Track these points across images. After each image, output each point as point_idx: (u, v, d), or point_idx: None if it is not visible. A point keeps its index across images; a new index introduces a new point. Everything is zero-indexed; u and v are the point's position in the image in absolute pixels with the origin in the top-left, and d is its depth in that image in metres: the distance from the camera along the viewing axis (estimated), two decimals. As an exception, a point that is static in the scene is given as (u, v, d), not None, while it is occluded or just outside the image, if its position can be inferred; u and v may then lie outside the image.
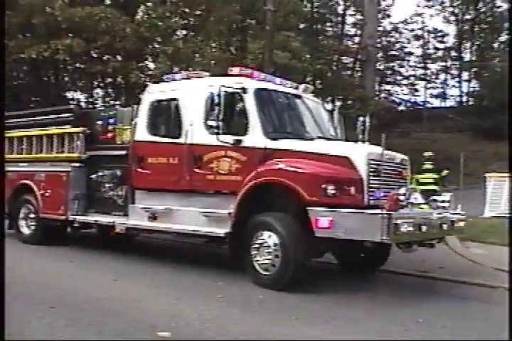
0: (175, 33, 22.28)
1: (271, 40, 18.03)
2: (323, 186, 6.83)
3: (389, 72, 42.81)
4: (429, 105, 44.04)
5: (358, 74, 32.59)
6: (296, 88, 8.93)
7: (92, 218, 9.89)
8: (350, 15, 39.48)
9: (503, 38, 41.26)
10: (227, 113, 7.64)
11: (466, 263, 9.51)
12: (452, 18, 44.08)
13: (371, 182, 7.17)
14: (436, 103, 45.93)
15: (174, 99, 8.72)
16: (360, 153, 7.24)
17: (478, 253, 10.11)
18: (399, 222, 6.41)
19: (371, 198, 7.12)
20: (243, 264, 7.57)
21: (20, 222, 11.17)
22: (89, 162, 10.11)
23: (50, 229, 10.61)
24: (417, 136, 35.80)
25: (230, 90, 7.73)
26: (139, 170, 9.07)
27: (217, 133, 7.66)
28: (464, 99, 43.67)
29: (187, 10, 23.08)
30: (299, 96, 8.79)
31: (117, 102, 23.98)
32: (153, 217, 8.82)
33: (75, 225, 10.19)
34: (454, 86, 45.35)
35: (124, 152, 9.37)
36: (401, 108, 43.25)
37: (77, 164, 10.14)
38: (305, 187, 6.89)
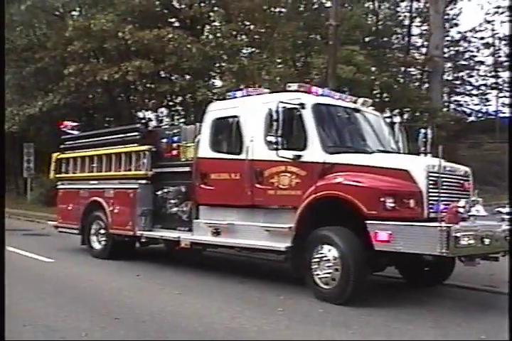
0: (240, 51, 22.68)
1: (334, 54, 18.09)
2: (382, 199, 6.84)
3: (458, 82, 41.83)
4: (501, 115, 42.62)
5: (426, 86, 32.06)
6: (355, 102, 8.97)
7: (158, 233, 10.18)
8: (416, 26, 38.98)
9: None
10: (286, 128, 7.76)
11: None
12: (524, 24, 42.72)
13: (431, 194, 7.10)
14: (509, 112, 44.49)
15: (234, 116, 8.94)
16: (420, 166, 7.19)
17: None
18: (459, 234, 6.32)
19: (431, 211, 7.05)
20: (304, 278, 7.63)
21: (92, 238, 11.62)
22: (155, 179, 10.43)
23: (119, 245, 10.99)
24: (489, 147, 34.76)
25: (288, 106, 7.87)
26: (202, 186, 9.30)
27: (277, 149, 7.78)
28: (539, 107, 42.08)
29: (251, 27, 23.48)
30: (357, 110, 8.83)
31: (186, 120, 24.65)
32: (217, 232, 9.00)
33: (142, 240, 10.52)
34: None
35: (187, 168, 9.64)
36: (472, 118, 42.08)
37: (143, 181, 10.47)
38: (364, 201, 6.91)
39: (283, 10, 25.66)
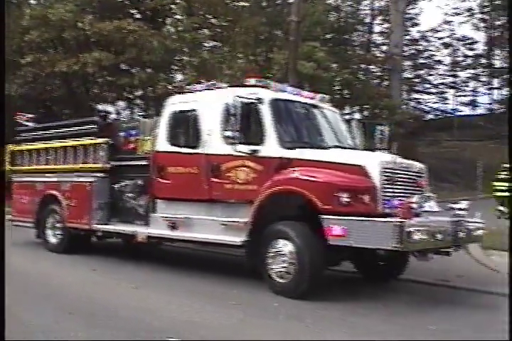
0: (201, 45, 22.57)
1: (295, 50, 18.18)
2: (337, 194, 6.91)
3: (417, 80, 42.54)
4: (459, 113, 43.56)
5: (386, 84, 32.51)
6: (313, 98, 9.02)
7: (114, 227, 10.09)
8: (378, 24, 39.52)
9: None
10: (244, 123, 7.77)
11: (487, 272, 9.38)
12: (481, 24, 43.71)
13: (385, 190, 7.22)
14: (467, 111, 45.49)
15: (193, 110, 8.90)
16: (374, 162, 7.28)
17: (499, 261, 9.97)
18: (411, 229, 6.42)
19: (385, 206, 7.15)
20: (260, 272, 7.66)
21: (47, 231, 11.44)
22: (113, 172, 10.33)
23: (75, 238, 10.83)
24: (447, 145, 35.51)
25: (245, 100, 7.87)
26: (160, 179, 9.25)
27: (234, 144, 7.80)
28: (495, 106, 43.12)
29: (213, 21, 23.41)
30: (315, 106, 8.90)
31: (146, 114, 24.41)
32: (173, 226, 8.96)
33: (98, 234, 10.41)
34: (484, 93, 44.81)
35: (145, 162, 9.58)
36: (431, 117, 42.89)
37: (100, 174, 10.36)
38: (319, 196, 6.97)
39: (246, 4, 25.65)
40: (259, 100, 8.00)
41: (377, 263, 8.62)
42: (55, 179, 11.22)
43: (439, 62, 42.66)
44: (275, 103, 8.14)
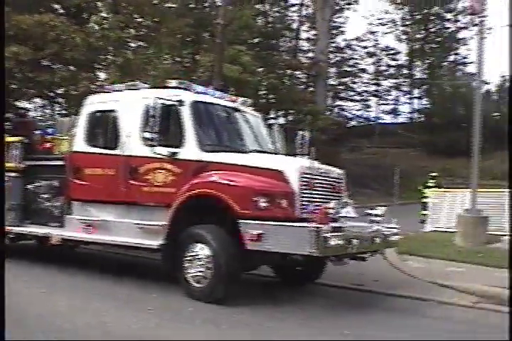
0: (126, 44, 22.15)
1: (220, 53, 18.16)
2: (255, 199, 6.89)
3: (342, 87, 43.44)
4: (380, 121, 44.78)
5: (311, 89, 33.00)
6: (234, 101, 8.99)
7: (27, 229, 9.72)
8: (304, 30, 40.09)
9: (452, 57, 42.64)
10: (163, 125, 7.65)
11: (402, 277, 9.64)
12: (404, 36, 45.15)
13: (303, 195, 7.27)
14: (388, 119, 46.80)
15: (112, 110, 8.70)
16: (293, 167, 7.32)
17: (414, 266, 10.25)
18: (327, 235, 6.47)
19: (303, 211, 7.19)
20: (176, 276, 7.55)
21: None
22: (27, 172, 9.95)
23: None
24: (369, 151, 36.40)
25: (166, 102, 7.75)
26: (76, 180, 8.98)
27: (152, 145, 7.66)
28: (415, 115, 44.61)
29: (139, 20, 23.01)
30: (237, 110, 8.87)
31: (68, 112, 23.68)
32: (89, 229, 8.72)
33: (10, 236, 9.98)
34: (405, 102, 46.27)
35: (61, 162, 9.27)
36: (353, 123, 43.86)
37: (13, 174, 9.93)
38: (236, 200, 6.93)
39: (173, 6, 25.41)
40: (180, 102, 7.90)
41: (294, 268, 8.66)
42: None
43: (363, 70, 43.78)
44: (196, 105, 8.05)
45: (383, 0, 44.10)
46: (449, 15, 42.78)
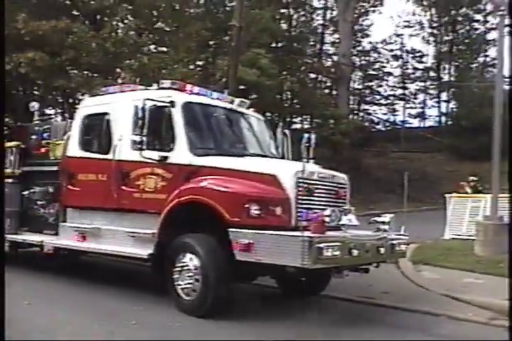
0: (142, 49, 21.91)
1: (236, 56, 17.77)
2: (246, 206, 6.42)
3: (367, 91, 42.69)
4: (407, 125, 43.86)
5: (334, 93, 32.42)
6: (232, 102, 8.52)
7: (22, 237, 9.44)
8: (329, 34, 39.53)
9: (481, 58, 41.59)
10: (153, 128, 7.24)
11: (414, 289, 9.03)
12: (431, 38, 44.23)
13: (300, 202, 6.76)
14: (416, 123, 45.85)
15: (105, 113, 8.35)
16: (288, 171, 6.81)
17: (429, 277, 9.64)
18: (322, 245, 5.95)
19: (300, 219, 6.69)
20: (167, 288, 7.11)
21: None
22: (23, 178, 9.68)
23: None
24: (394, 156, 35.58)
25: (157, 104, 7.35)
26: (70, 187, 8.66)
27: (141, 149, 7.24)
28: (443, 119, 43.60)
29: (158, 24, 22.80)
30: (235, 111, 8.41)
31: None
32: (82, 237, 8.37)
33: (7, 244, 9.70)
34: (432, 106, 45.22)
35: (55, 168, 8.96)
36: (380, 128, 43.03)
37: (10, 180, 9.67)
38: (227, 207, 6.48)
39: (193, 11, 25.18)
40: (172, 103, 7.47)
41: (298, 279, 8.13)
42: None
43: (389, 73, 42.97)
44: (188, 107, 7.62)
45: (410, 2, 43.00)
46: (478, 16, 41.81)
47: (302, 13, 38.59)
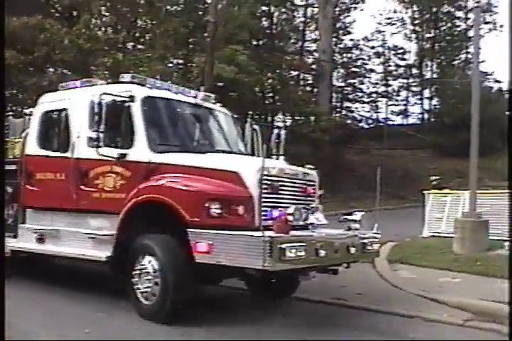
0: (118, 46, 21.49)
1: (212, 52, 17.43)
2: (206, 205, 6.07)
3: (350, 88, 42.38)
4: (390, 122, 43.65)
5: (315, 90, 32.12)
6: (196, 97, 8.16)
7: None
8: (310, 31, 39.20)
9: (463, 55, 41.49)
10: (111, 124, 6.88)
11: (389, 289, 8.70)
12: (413, 35, 44.06)
13: (265, 200, 6.40)
14: (398, 120, 45.62)
15: (64, 109, 7.97)
16: (251, 168, 6.45)
17: (405, 277, 9.35)
18: (284, 246, 5.61)
19: (265, 218, 6.33)
20: (127, 292, 6.75)
21: None
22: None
23: None
24: (377, 153, 35.37)
25: (115, 98, 6.98)
26: (28, 186, 8.27)
27: (98, 146, 6.87)
28: (426, 116, 43.46)
29: (132, 20, 22.40)
30: (200, 106, 8.04)
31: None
32: (41, 239, 7.99)
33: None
34: (415, 103, 44.98)
35: (14, 167, 8.54)
36: (363, 125, 42.74)
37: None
38: (185, 206, 6.13)
39: (169, 7, 24.80)
40: (131, 98, 7.10)
41: (267, 280, 7.77)
42: None
43: (372, 70, 42.69)
44: (148, 101, 7.24)
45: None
46: (459, 14, 41.73)
47: (283, 10, 38.26)
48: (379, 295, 8.28)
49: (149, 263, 6.37)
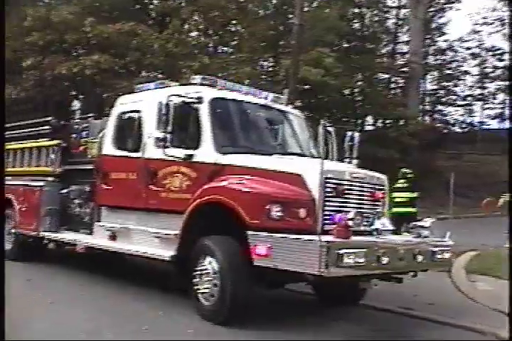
0: (207, 49, 21.89)
1: (297, 55, 17.35)
2: (267, 207, 6.00)
3: (443, 91, 41.02)
4: (485, 126, 41.85)
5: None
6: (266, 98, 8.11)
7: (60, 235, 9.39)
8: (403, 33, 38.32)
9: None
10: (178, 124, 6.97)
11: (463, 301, 8.26)
12: (512, 35, 42.04)
13: (328, 204, 6.26)
14: (494, 124, 43.64)
15: (137, 111, 8.17)
16: (314, 170, 6.30)
17: (481, 289, 8.89)
18: (342, 252, 5.45)
19: (327, 222, 6.19)
20: (188, 292, 6.80)
21: (6, 237, 10.76)
22: (64, 176, 9.67)
23: (27, 245, 10.17)
24: (470, 158, 34.05)
25: (184, 100, 7.08)
26: (104, 185, 8.53)
27: (165, 147, 6.97)
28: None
29: (222, 23, 22.72)
30: (270, 108, 8.00)
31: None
32: (113, 237, 8.22)
33: (45, 242, 9.79)
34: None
35: (91, 166, 8.86)
36: (456, 129, 41.25)
37: (50, 178, 9.72)
38: (245, 208, 6.09)
39: (259, 10, 24.97)
40: (199, 99, 7.17)
41: (336, 286, 7.60)
42: (11, 183, 10.53)
43: (467, 73, 41.15)
44: (216, 102, 7.29)
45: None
46: None
47: (375, 12, 37.64)
48: (451, 306, 7.87)
49: (209, 264, 6.38)
